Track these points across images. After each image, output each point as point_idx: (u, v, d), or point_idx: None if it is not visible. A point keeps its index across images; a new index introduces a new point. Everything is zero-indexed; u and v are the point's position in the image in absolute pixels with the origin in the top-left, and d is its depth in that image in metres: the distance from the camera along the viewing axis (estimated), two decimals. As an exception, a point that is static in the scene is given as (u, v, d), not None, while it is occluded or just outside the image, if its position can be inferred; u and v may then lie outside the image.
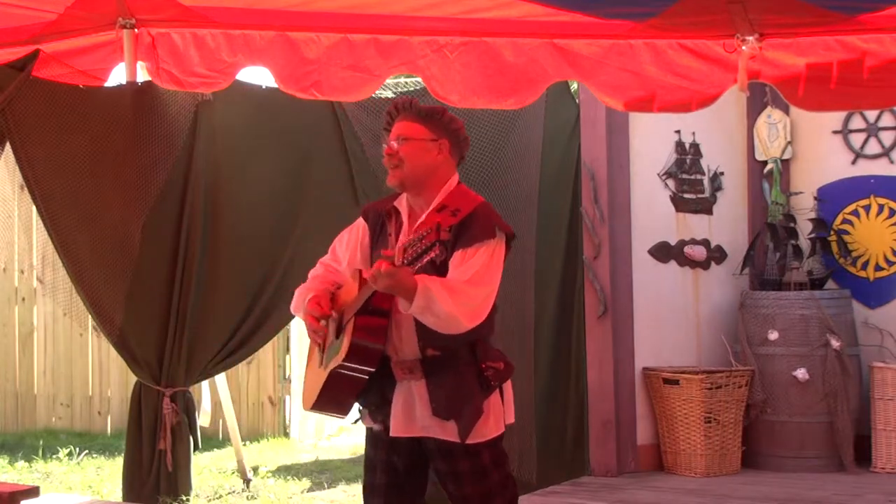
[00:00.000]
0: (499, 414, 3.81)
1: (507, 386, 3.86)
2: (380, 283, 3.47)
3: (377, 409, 3.83)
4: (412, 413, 3.74)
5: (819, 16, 3.95)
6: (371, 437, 3.97)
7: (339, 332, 3.78)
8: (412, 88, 6.73)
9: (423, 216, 3.76)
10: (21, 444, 9.33)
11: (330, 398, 3.82)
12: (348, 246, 3.97)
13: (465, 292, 3.59)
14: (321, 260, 4.05)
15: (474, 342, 3.75)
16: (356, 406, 3.92)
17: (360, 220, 3.98)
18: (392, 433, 3.77)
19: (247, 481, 7.56)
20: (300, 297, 3.95)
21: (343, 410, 3.92)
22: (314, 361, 3.93)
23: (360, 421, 3.97)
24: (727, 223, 7.37)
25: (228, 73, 4.62)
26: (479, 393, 3.74)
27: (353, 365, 3.68)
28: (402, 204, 3.88)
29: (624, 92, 4.46)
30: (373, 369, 3.70)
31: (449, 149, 3.83)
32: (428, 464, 3.90)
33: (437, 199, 3.78)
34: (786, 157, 7.42)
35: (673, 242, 7.10)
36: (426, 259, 3.36)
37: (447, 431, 3.72)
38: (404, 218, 3.85)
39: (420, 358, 3.72)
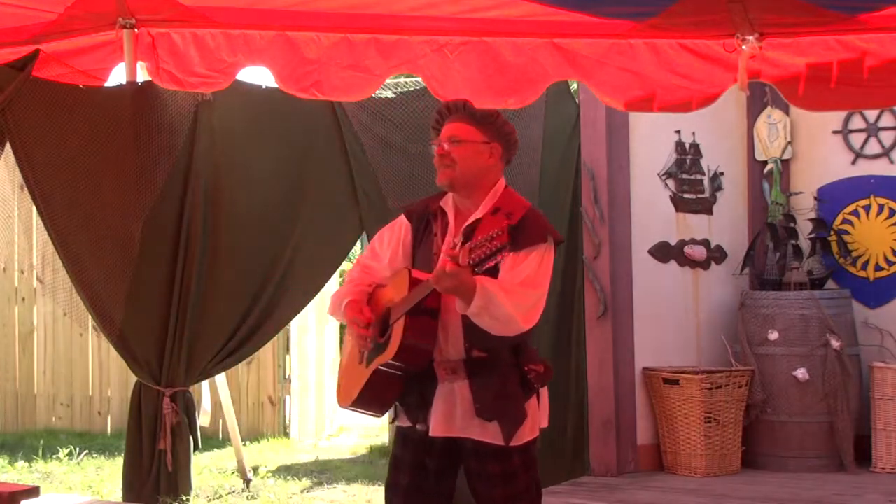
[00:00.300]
0: (535, 418, 3.83)
1: (544, 390, 3.87)
2: (443, 283, 3.49)
3: (416, 408, 3.83)
4: (452, 413, 3.75)
5: (819, 15, 3.95)
6: (401, 436, 3.97)
7: (383, 330, 3.78)
8: (412, 88, 6.73)
9: (474, 217, 3.78)
10: (21, 444, 9.33)
11: (371, 396, 3.84)
12: (389, 244, 3.97)
13: (520, 294, 3.62)
14: (359, 259, 4.07)
15: (517, 344, 3.76)
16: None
17: (403, 219, 3.98)
18: (432, 433, 3.77)
19: (247, 481, 7.56)
20: (337, 301, 3.97)
21: (382, 409, 3.94)
22: (352, 358, 3.94)
23: (395, 420, 3.96)
24: (727, 223, 7.37)
25: (228, 73, 4.62)
26: (522, 395, 3.77)
27: (400, 364, 3.70)
28: (448, 204, 3.89)
29: (624, 92, 4.46)
30: (421, 369, 3.72)
31: (500, 153, 3.87)
32: (458, 466, 3.91)
33: (488, 201, 3.81)
34: (786, 157, 7.42)
35: (673, 242, 7.10)
36: (493, 262, 3.39)
37: (487, 433, 3.73)
38: (451, 218, 3.85)
39: (464, 359, 3.73)
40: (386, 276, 3.93)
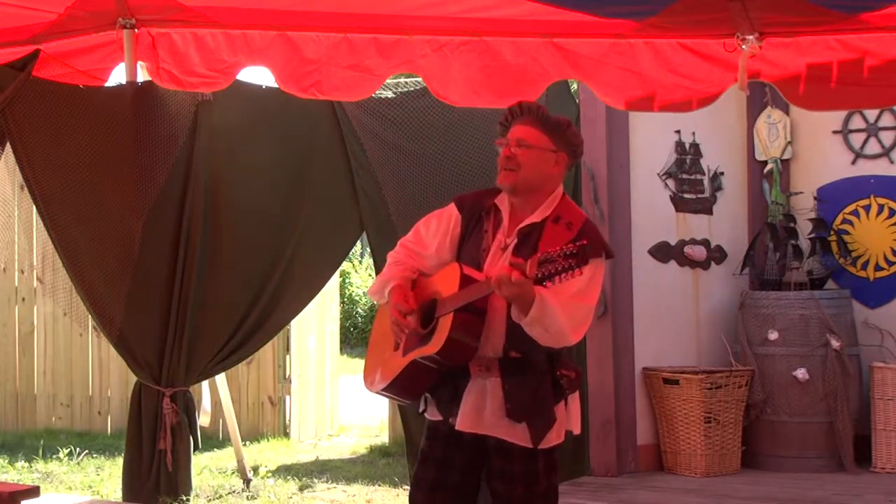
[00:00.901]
0: (562, 422, 3.83)
1: (574, 395, 3.87)
2: (505, 290, 3.46)
3: (447, 402, 3.82)
4: (482, 410, 3.75)
5: (819, 15, 3.96)
6: (430, 429, 3.96)
7: (427, 321, 3.76)
8: (412, 88, 6.73)
9: (531, 221, 3.76)
10: (21, 444, 9.32)
11: (404, 385, 3.85)
12: (436, 233, 3.92)
13: (572, 307, 3.61)
14: (402, 241, 4.01)
15: (552, 349, 3.75)
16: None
17: (453, 210, 3.94)
18: (459, 427, 3.77)
19: (247, 481, 7.56)
20: (381, 283, 3.94)
21: (413, 398, 3.93)
22: (387, 342, 3.91)
23: (425, 412, 3.95)
24: (727, 223, 7.37)
25: (229, 73, 4.63)
26: (553, 399, 3.78)
27: (442, 359, 3.70)
28: (503, 203, 3.86)
29: (624, 91, 4.47)
30: (460, 367, 3.72)
31: (566, 162, 3.84)
32: (482, 466, 3.91)
33: (546, 207, 3.79)
34: (786, 157, 7.42)
35: (673, 242, 7.10)
36: (560, 278, 3.36)
37: (515, 434, 3.74)
38: (505, 217, 3.83)
39: (500, 358, 3.73)
40: (430, 264, 3.89)
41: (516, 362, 3.73)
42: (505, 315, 3.68)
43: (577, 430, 3.90)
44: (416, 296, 3.83)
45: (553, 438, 3.79)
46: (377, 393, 3.97)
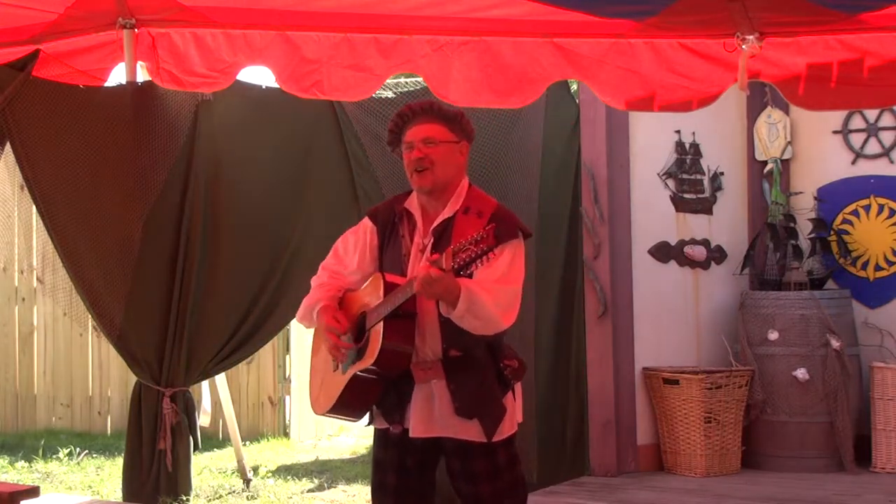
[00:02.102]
0: (513, 412, 3.85)
1: (517, 385, 3.90)
2: (430, 290, 3.48)
3: (393, 410, 3.83)
4: (431, 413, 3.76)
5: (819, 15, 3.96)
6: (381, 437, 3.97)
7: (358, 336, 3.78)
8: (412, 88, 6.73)
9: (443, 217, 3.79)
10: (21, 444, 9.33)
11: (349, 402, 3.84)
12: (355, 248, 3.95)
13: (499, 291, 3.63)
14: (323, 265, 4.03)
15: (492, 342, 3.78)
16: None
17: (367, 223, 3.97)
18: (412, 434, 3.78)
19: (247, 481, 7.56)
20: (307, 308, 3.95)
21: (360, 414, 3.94)
22: (325, 364, 3.92)
23: (371, 423, 3.96)
24: (727, 223, 7.37)
25: (229, 73, 4.62)
26: (500, 391, 3.79)
27: (379, 369, 3.70)
28: (413, 205, 3.89)
29: (624, 91, 4.46)
30: (400, 373, 3.72)
31: (467, 150, 3.89)
32: (437, 462, 3.92)
33: (455, 200, 3.82)
34: (786, 157, 7.42)
35: (673, 242, 7.09)
36: (477, 265, 3.38)
37: (468, 431, 3.75)
38: (418, 219, 3.86)
39: (441, 358, 3.74)
40: (354, 280, 3.92)
41: (458, 360, 3.74)
42: (436, 315, 3.68)
43: (520, 418, 3.90)
44: (345, 313, 3.84)
45: (507, 429, 3.81)
46: (325, 415, 3.96)
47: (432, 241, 3.78)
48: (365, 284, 3.85)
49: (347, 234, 4.03)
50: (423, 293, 3.52)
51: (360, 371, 3.72)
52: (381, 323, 3.66)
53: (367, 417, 3.96)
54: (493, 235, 3.34)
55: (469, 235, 3.39)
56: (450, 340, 3.72)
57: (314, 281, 4.02)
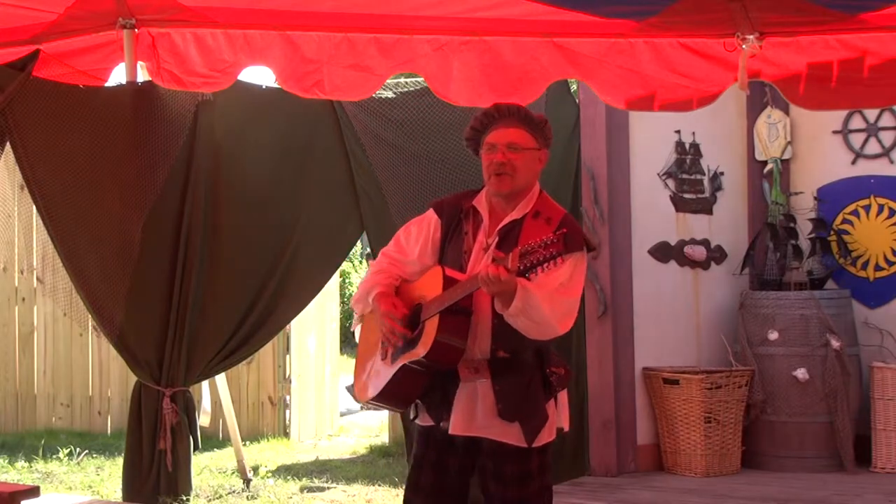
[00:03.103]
0: (553, 420, 3.84)
1: (562, 393, 3.89)
2: (492, 287, 3.48)
3: (437, 406, 3.83)
4: (474, 413, 3.76)
5: (819, 14, 3.96)
6: (423, 435, 3.96)
7: (412, 327, 3.78)
8: (413, 88, 6.73)
9: (511, 218, 3.78)
10: (21, 444, 9.32)
11: (395, 392, 3.85)
12: (417, 239, 3.94)
13: (557, 299, 3.63)
14: (384, 251, 4.03)
15: (540, 347, 3.78)
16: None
17: (432, 215, 3.95)
18: (451, 431, 3.77)
19: (247, 481, 7.56)
20: (364, 292, 3.96)
21: (404, 405, 3.95)
22: (374, 354, 3.93)
23: (416, 418, 3.96)
24: (727, 223, 7.37)
25: (230, 73, 4.63)
26: (544, 397, 3.79)
27: (430, 362, 3.70)
28: (481, 203, 3.88)
29: (625, 90, 4.47)
30: (450, 368, 3.73)
31: (547, 158, 3.89)
32: (475, 467, 3.92)
33: (526, 203, 3.81)
34: (786, 157, 7.42)
35: (673, 242, 7.09)
36: (542, 269, 3.39)
37: (507, 434, 3.75)
38: (485, 217, 3.84)
39: (489, 359, 3.74)
40: (413, 270, 3.91)
41: (505, 362, 3.74)
42: (490, 314, 3.69)
43: (566, 427, 3.91)
44: (405, 304, 3.84)
45: (545, 437, 3.81)
46: (368, 403, 3.98)
47: (497, 240, 3.77)
48: (423, 277, 3.85)
49: (411, 223, 4.01)
50: (485, 289, 3.51)
51: (411, 362, 3.72)
52: (438, 315, 3.66)
53: (412, 412, 3.95)
54: (563, 242, 3.35)
55: (538, 239, 3.39)
56: (499, 341, 3.72)
57: (373, 266, 4.03)
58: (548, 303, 3.58)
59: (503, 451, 3.78)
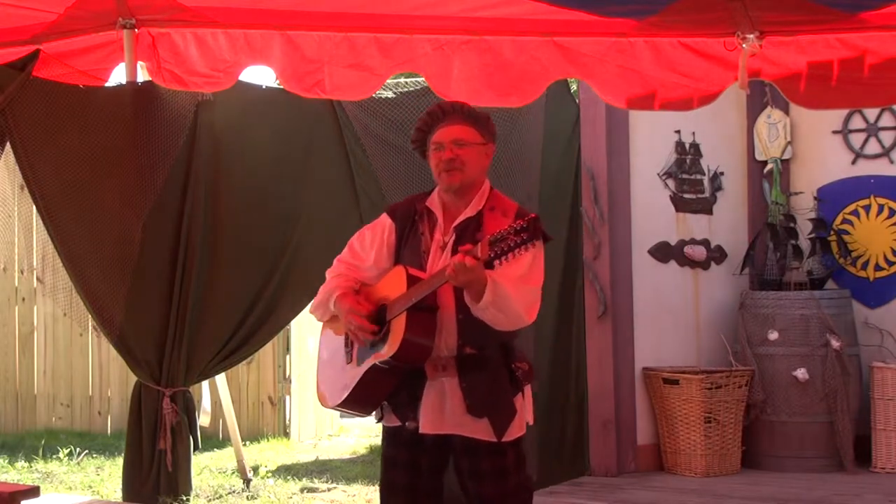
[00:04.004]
0: (522, 414, 3.86)
1: (527, 388, 3.91)
2: (462, 278, 3.51)
3: (405, 406, 3.83)
4: (443, 410, 3.77)
5: (819, 14, 3.96)
6: (391, 436, 3.97)
7: (377, 327, 3.78)
8: (412, 88, 6.73)
9: (466, 216, 3.82)
10: (21, 444, 9.33)
11: (362, 396, 3.85)
12: (372, 244, 3.97)
13: (522, 289, 3.67)
14: (339, 258, 4.06)
15: (505, 342, 3.81)
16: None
17: (385, 219, 3.99)
18: (422, 430, 3.79)
19: (247, 481, 7.56)
20: (324, 296, 3.98)
21: (371, 409, 3.94)
22: (336, 359, 3.93)
23: (381, 420, 3.96)
24: (727, 223, 7.37)
25: (231, 73, 4.63)
26: (511, 392, 3.81)
27: (399, 361, 3.70)
28: (434, 203, 3.92)
29: (625, 90, 4.47)
30: (418, 366, 3.73)
31: (492, 153, 3.94)
32: (447, 464, 3.93)
33: (479, 201, 3.86)
34: (786, 157, 7.42)
35: (673, 242, 7.09)
36: (514, 254, 3.41)
37: (478, 430, 3.76)
38: (439, 216, 3.88)
39: (455, 356, 3.76)
40: (370, 275, 3.94)
41: (472, 359, 3.76)
42: (455, 310, 3.72)
43: (531, 421, 3.93)
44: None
45: (516, 431, 3.82)
46: (335, 409, 3.98)
47: (454, 238, 3.81)
48: (384, 278, 3.87)
49: (364, 229, 4.05)
50: (454, 280, 3.53)
51: (380, 362, 3.72)
52: (405, 313, 3.67)
53: (376, 414, 3.96)
54: (533, 227, 3.38)
55: (504, 227, 3.42)
56: (466, 337, 3.74)
57: (329, 272, 4.04)
58: (515, 292, 3.62)
59: (477, 448, 3.79)
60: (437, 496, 3.98)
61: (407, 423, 3.83)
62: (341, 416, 10.24)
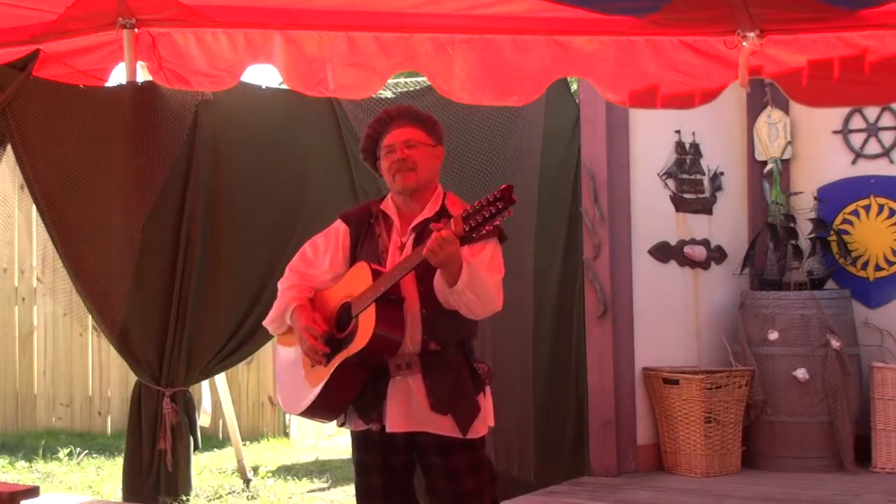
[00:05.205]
0: (486, 413, 3.87)
1: (488, 391, 3.91)
2: (441, 253, 3.50)
3: (369, 407, 3.81)
4: (409, 408, 3.76)
5: (820, 11, 3.96)
6: (361, 440, 3.95)
7: (342, 326, 3.78)
8: (412, 88, 6.73)
9: (422, 217, 3.83)
10: (21, 444, 9.33)
11: (329, 399, 3.81)
12: (326, 250, 3.98)
13: (490, 273, 3.70)
14: (291, 267, 4.06)
15: (464, 341, 3.83)
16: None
17: (339, 224, 4.01)
18: (389, 429, 3.77)
19: (247, 481, 7.56)
20: (279, 310, 3.96)
21: (337, 413, 3.90)
22: (299, 365, 3.90)
23: (344, 425, 3.93)
24: (727, 223, 7.37)
25: (233, 72, 4.62)
26: (473, 390, 3.81)
27: (370, 355, 3.69)
28: (389, 207, 3.94)
29: (626, 88, 4.46)
30: (387, 360, 3.72)
31: (442, 156, 3.97)
32: (417, 464, 3.92)
33: (434, 203, 3.88)
34: (786, 157, 7.42)
35: (673, 242, 7.10)
36: (493, 224, 3.43)
37: (444, 426, 3.75)
38: (395, 219, 3.90)
39: (420, 352, 3.75)
40: (325, 280, 3.94)
41: (435, 356, 3.75)
42: (419, 305, 3.72)
43: (492, 423, 3.92)
44: (320, 311, 3.85)
45: (480, 428, 3.82)
46: (301, 415, 3.94)
47: (412, 238, 3.82)
48: (347, 275, 3.87)
49: (316, 237, 4.07)
50: (433, 257, 3.52)
51: (349, 357, 3.70)
52: (374, 304, 3.66)
53: (339, 420, 3.92)
54: (509, 195, 3.39)
55: (481, 200, 3.43)
56: (430, 332, 3.74)
57: (282, 284, 4.03)
58: (488, 276, 3.66)
59: (450, 446, 3.78)
60: (412, 495, 3.99)
61: (371, 425, 3.81)
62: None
